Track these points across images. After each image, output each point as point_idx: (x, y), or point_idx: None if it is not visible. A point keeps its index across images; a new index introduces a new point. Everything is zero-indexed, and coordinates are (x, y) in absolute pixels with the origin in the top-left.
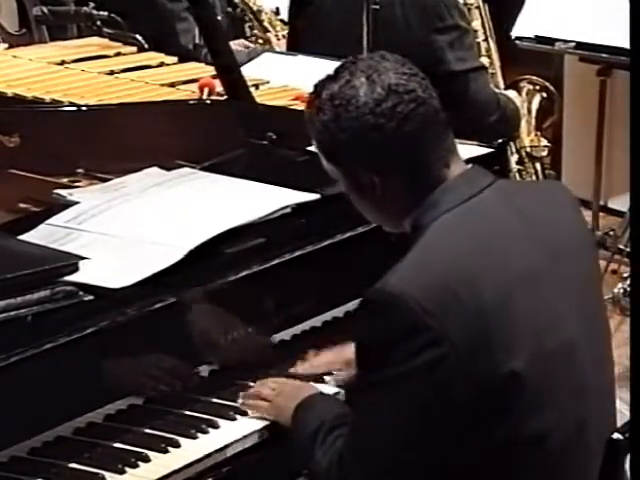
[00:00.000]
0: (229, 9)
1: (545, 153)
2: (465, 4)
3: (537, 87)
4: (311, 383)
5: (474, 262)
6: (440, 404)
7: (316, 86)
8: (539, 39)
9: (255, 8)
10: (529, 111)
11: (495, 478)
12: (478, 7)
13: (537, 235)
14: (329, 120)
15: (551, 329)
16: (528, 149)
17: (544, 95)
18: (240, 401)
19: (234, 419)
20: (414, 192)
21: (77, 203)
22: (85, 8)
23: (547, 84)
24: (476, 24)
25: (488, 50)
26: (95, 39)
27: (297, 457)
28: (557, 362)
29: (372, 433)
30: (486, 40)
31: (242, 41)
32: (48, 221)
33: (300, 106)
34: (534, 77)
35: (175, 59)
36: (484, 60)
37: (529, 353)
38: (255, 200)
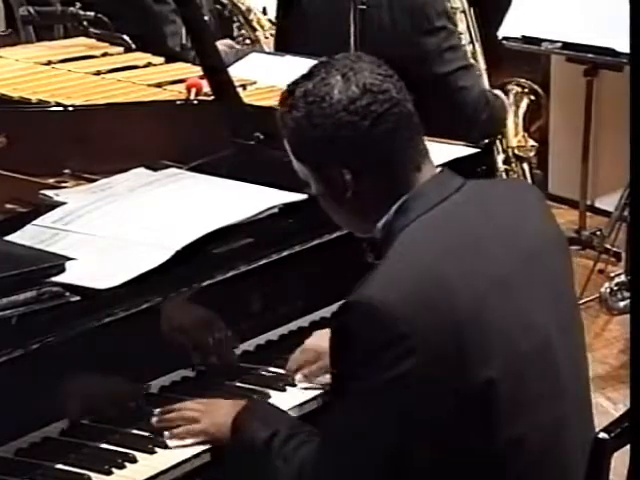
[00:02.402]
0: (218, 6)
1: (532, 154)
2: (451, 8)
3: (525, 90)
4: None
5: (446, 269)
6: (418, 412)
7: (289, 85)
8: (526, 39)
9: (244, 8)
10: (517, 114)
11: None
12: (464, 11)
13: (507, 238)
14: (302, 117)
15: (525, 333)
16: (515, 149)
17: (532, 98)
18: (167, 434)
19: None
20: (385, 194)
21: (64, 204)
22: (72, 8)
23: (535, 87)
24: (461, 27)
25: (474, 53)
26: (82, 39)
27: (247, 469)
28: (532, 365)
29: (350, 443)
30: (472, 43)
31: (228, 41)
32: (34, 222)
33: None
34: (522, 80)
35: (162, 59)
36: None
37: (503, 359)
38: (242, 200)
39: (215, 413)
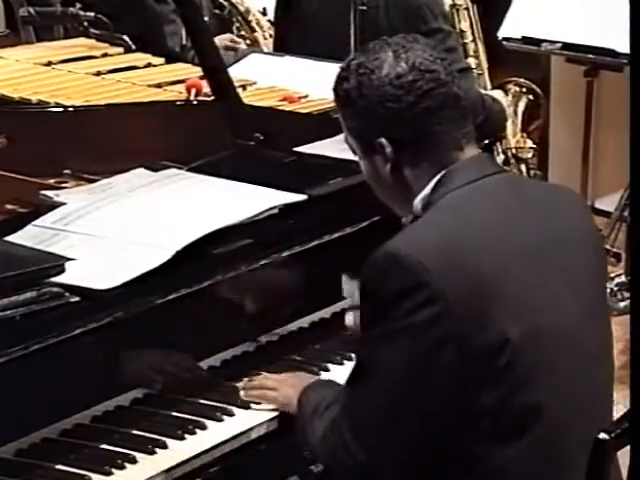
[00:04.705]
0: (216, 10)
1: (530, 155)
2: (454, 5)
3: (524, 89)
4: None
5: (475, 233)
6: (434, 363)
7: (347, 60)
8: (526, 40)
9: (242, 9)
10: (515, 113)
11: (482, 445)
12: (467, 8)
13: (539, 220)
14: (352, 88)
15: (548, 305)
16: (514, 150)
17: (530, 97)
18: (242, 393)
19: (222, 420)
20: (424, 169)
21: (64, 204)
22: (72, 9)
23: (534, 86)
24: (464, 25)
25: (476, 51)
26: (82, 40)
27: (300, 438)
28: (553, 337)
29: (367, 389)
30: (474, 41)
31: (229, 35)
32: (35, 222)
33: (288, 107)
34: (521, 79)
35: (162, 60)
36: (471, 61)
37: (522, 326)
38: (242, 201)
39: (289, 385)
